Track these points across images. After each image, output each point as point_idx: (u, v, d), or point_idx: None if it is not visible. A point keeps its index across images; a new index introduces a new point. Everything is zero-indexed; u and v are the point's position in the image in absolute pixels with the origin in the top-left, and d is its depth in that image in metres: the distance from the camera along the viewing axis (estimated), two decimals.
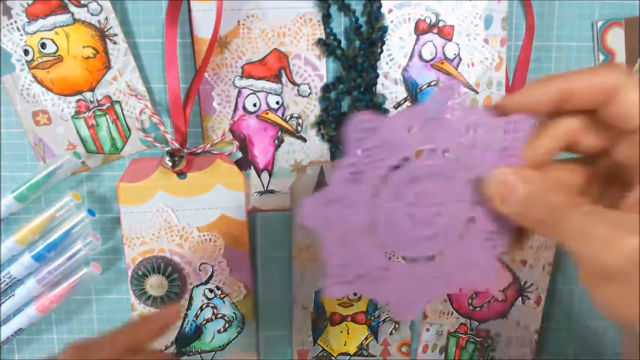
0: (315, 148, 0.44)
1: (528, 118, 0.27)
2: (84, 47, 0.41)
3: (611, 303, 0.26)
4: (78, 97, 0.41)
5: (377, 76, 0.42)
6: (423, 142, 0.26)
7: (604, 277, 0.26)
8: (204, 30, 0.41)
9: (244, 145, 0.43)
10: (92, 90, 0.41)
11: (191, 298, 0.44)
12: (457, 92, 0.26)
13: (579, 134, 0.28)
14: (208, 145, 0.42)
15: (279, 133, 0.43)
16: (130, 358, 0.29)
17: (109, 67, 0.41)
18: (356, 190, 0.26)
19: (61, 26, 0.40)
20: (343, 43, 0.42)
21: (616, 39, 0.44)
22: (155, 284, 0.43)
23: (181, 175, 0.41)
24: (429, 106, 0.26)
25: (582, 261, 0.26)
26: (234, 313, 0.45)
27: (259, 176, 0.44)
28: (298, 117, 0.43)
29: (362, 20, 0.42)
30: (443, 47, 0.43)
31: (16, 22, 0.40)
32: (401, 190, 0.27)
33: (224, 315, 0.45)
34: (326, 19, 0.41)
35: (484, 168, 0.27)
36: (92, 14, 0.40)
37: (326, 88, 0.42)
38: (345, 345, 0.46)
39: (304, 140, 0.43)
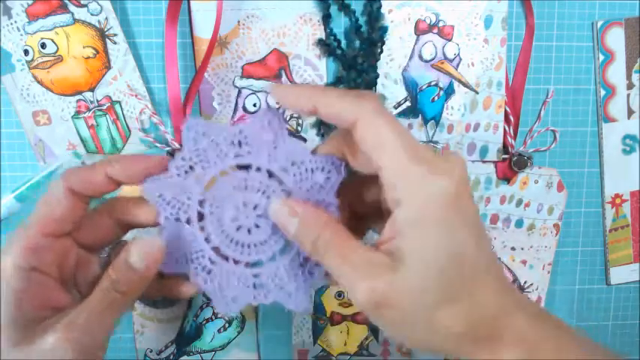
0: None
1: (341, 163, 0.29)
2: (84, 47, 0.41)
3: (382, 328, 0.27)
4: (78, 97, 0.41)
5: (377, 76, 0.42)
6: (244, 156, 0.29)
7: (365, 309, 0.26)
8: (204, 30, 0.41)
9: None
10: (92, 90, 0.41)
11: (191, 298, 0.44)
12: (280, 119, 0.29)
13: (348, 152, 0.28)
14: None
15: None
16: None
17: (109, 67, 0.41)
18: (188, 181, 0.29)
19: (61, 26, 0.40)
20: (343, 43, 0.42)
21: (616, 39, 0.44)
22: None
23: None
24: (257, 125, 0.29)
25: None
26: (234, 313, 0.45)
27: None
28: (298, 117, 0.43)
29: (362, 20, 0.42)
30: (443, 47, 0.43)
31: (16, 22, 0.40)
32: (226, 195, 0.29)
33: (224, 315, 0.45)
34: (326, 19, 0.41)
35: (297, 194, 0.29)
36: (92, 14, 0.40)
37: None
38: (345, 345, 0.46)
39: (304, 140, 0.43)
